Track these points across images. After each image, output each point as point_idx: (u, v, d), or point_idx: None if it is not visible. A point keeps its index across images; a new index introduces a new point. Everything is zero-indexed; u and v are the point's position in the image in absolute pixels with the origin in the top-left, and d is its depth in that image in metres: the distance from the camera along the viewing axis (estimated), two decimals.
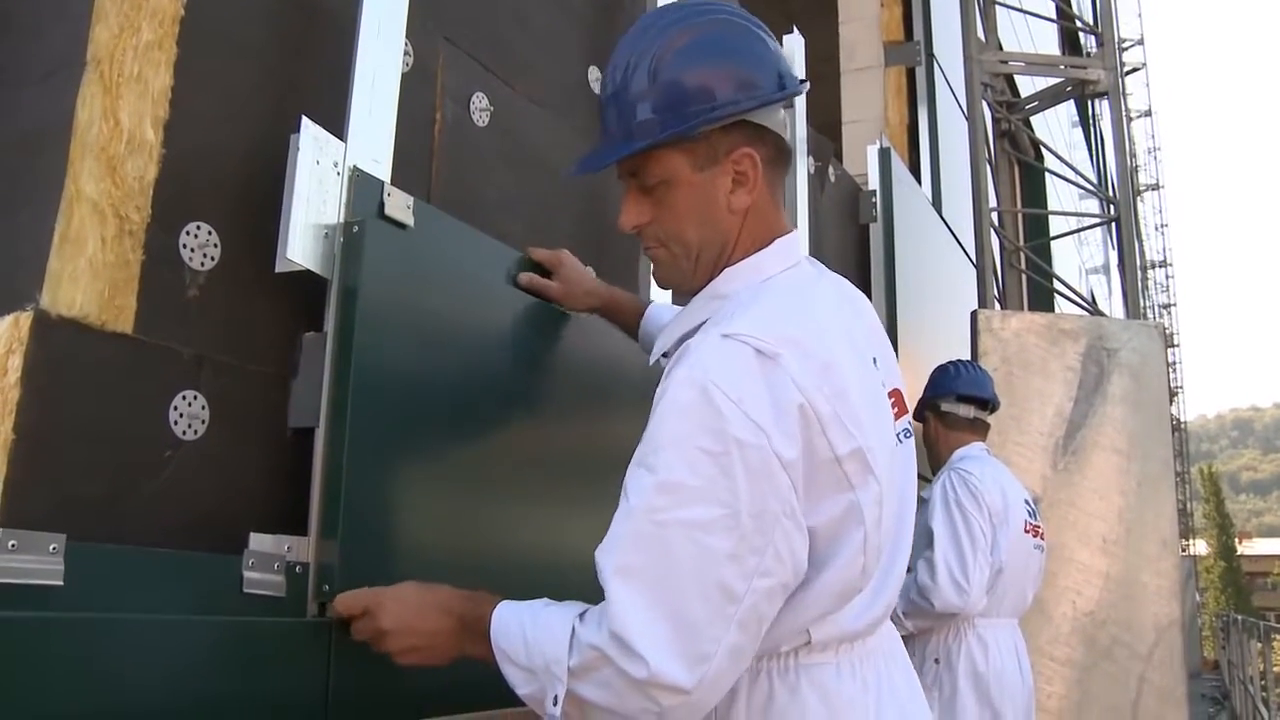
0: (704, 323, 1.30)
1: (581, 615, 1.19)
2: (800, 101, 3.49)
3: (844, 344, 1.27)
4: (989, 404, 3.36)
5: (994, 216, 7.03)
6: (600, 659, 1.13)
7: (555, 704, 1.16)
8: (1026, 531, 3.16)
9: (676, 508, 1.12)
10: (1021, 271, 8.52)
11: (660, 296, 2.34)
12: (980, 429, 3.34)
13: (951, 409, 3.32)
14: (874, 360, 1.33)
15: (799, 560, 1.16)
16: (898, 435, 1.34)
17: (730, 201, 1.31)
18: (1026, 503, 3.24)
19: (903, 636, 3.23)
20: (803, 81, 1.37)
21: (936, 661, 3.05)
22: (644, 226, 1.36)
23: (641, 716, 1.13)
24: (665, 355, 1.37)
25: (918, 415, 3.45)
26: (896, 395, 1.37)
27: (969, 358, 4.41)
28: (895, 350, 4.34)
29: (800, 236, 1.39)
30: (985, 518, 3.03)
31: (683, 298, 1.42)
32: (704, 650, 1.11)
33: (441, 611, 1.33)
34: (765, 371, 1.15)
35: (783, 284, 1.31)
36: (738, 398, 1.13)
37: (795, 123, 3.48)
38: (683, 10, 1.33)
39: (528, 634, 1.22)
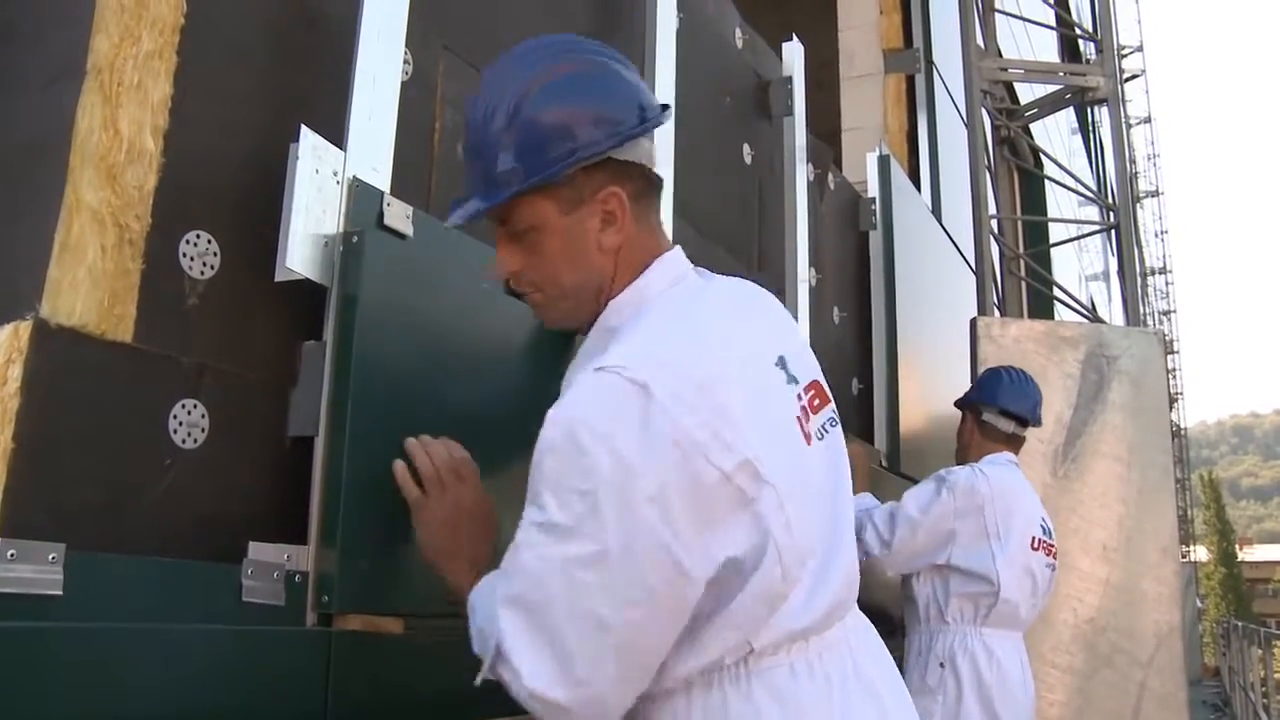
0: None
1: None
2: (799, 108, 3.50)
3: (728, 354, 1.26)
4: (1029, 422, 3.34)
5: (993, 223, 7.03)
6: (500, 660, 1.21)
7: (487, 669, 1.24)
8: (1036, 549, 3.15)
9: (553, 544, 1.16)
10: (1021, 278, 8.52)
11: None
12: (1015, 443, 3.33)
13: (992, 420, 3.30)
14: (780, 359, 1.32)
15: (676, 589, 1.17)
16: (820, 429, 1.34)
17: (600, 241, 1.31)
18: (1043, 520, 3.23)
19: (910, 638, 3.25)
20: (665, 108, 1.37)
21: (942, 665, 3.06)
22: (516, 273, 1.36)
23: (535, 715, 1.21)
24: None
25: (958, 407, 3.44)
26: (815, 387, 1.37)
27: (970, 365, 4.42)
28: (895, 357, 4.34)
29: (679, 253, 1.38)
30: (953, 516, 3.04)
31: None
32: (579, 675, 1.16)
33: (471, 538, 1.44)
34: (636, 403, 1.15)
35: (664, 305, 1.31)
36: (605, 434, 1.14)
37: (795, 130, 3.49)
38: (538, 53, 1.33)
39: (488, 597, 1.29)
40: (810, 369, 1.38)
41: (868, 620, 1.42)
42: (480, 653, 1.26)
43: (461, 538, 1.44)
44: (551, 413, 1.18)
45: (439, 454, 1.50)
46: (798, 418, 1.30)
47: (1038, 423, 3.38)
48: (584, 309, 1.36)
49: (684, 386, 1.17)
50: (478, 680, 1.24)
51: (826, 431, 1.36)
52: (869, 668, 1.33)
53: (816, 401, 1.35)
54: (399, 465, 1.48)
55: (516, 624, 1.18)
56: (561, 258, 1.32)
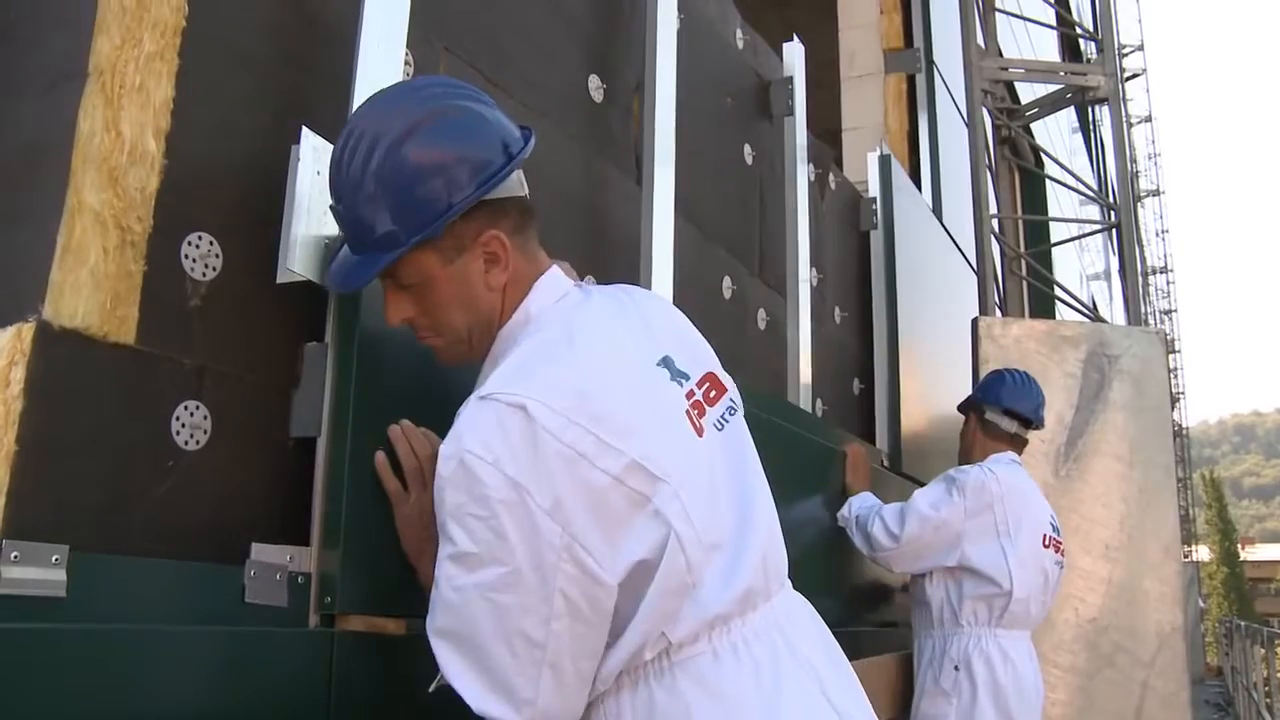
0: None
1: None
2: (800, 108, 3.50)
3: (605, 362, 1.30)
4: (1032, 422, 3.35)
5: (994, 223, 7.03)
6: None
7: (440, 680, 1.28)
8: (1047, 546, 3.16)
9: (467, 573, 1.19)
10: (1022, 278, 8.52)
11: None
12: (1019, 444, 3.34)
13: (995, 419, 3.31)
14: (664, 359, 1.35)
15: (591, 596, 1.20)
16: (718, 420, 1.36)
17: (488, 281, 1.35)
18: (1051, 517, 3.24)
19: (920, 641, 3.26)
20: (524, 129, 1.38)
21: (957, 669, 3.06)
22: (410, 320, 1.38)
23: None
24: None
25: (961, 411, 3.45)
26: (710, 379, 1.39)
27: (971, 365, 4.42)
28: (896, 357, 4.34)
29: (560, 270, 1.42)
30: (963, 516, 3.04)
31: None
32: (522, 695, 1.20)
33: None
34: (516, 425, 1.19)
35: (544, 324, 1.34)
36: (494, 459, 1.18)
37: (795, 130, 3.49)
38: (396, 104, 1.31)
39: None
40: (702, 362, 1.41)
41: (804, 600, 1.43)
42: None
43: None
44: (442, 448, 1.22)
45: (421, 446, 1.51)
46: (687, 412, 1.32)
47: (1040, 424, 3.39)
48: (480, 345, 1.39)
49: (562, 400, 1.21)
50: (431, 688, 1.29)
51: (725, 421, 1.38)
52: (804, 648, 1.34)
53: (713, 394, 1.38)
54: (380, 456, 1.50)
55: (451, 656, 1.22)
56: (452, 304, 1.35)
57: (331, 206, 1.35)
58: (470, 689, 1.21)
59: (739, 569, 1.30)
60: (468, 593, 1.19)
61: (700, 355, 1.42)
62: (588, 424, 1.21)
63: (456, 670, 1.22)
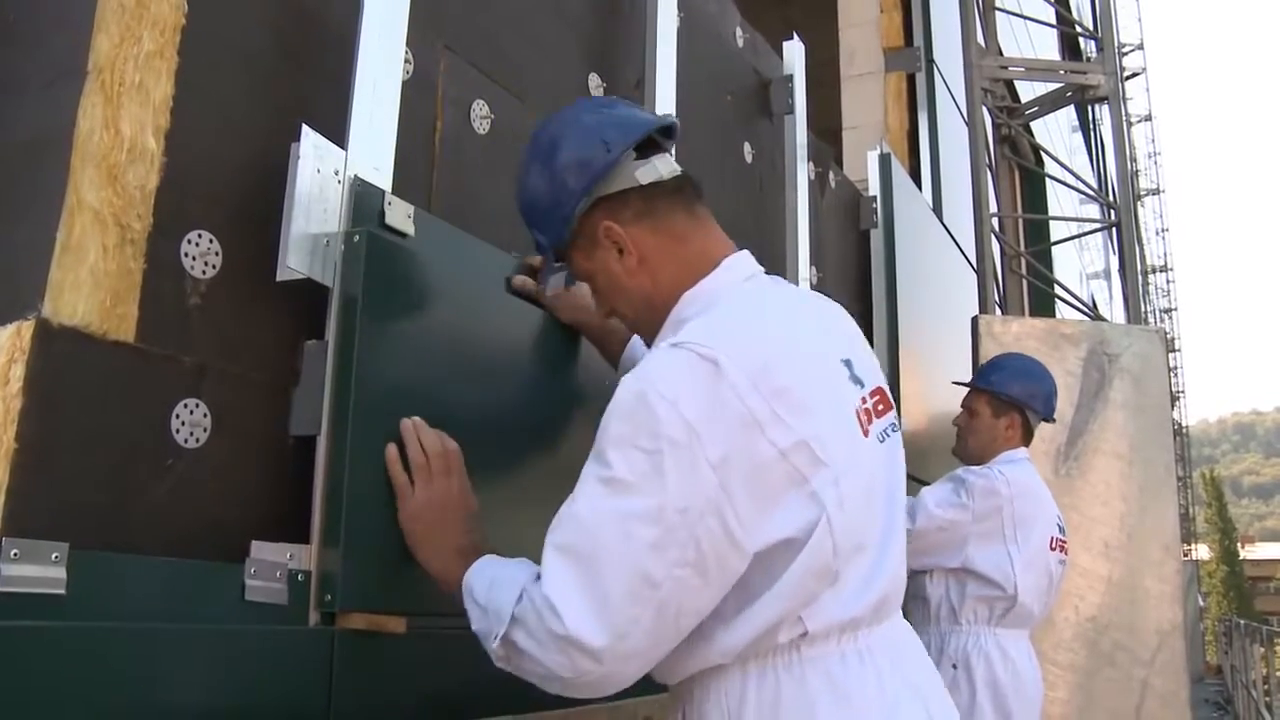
0: None
1: (537, 575, 1.29)
2: (800, 106, 3.50)
3: (792, 344, 1.35)
4: (1043, 414, 3.29)
5: (994, 222, 7.03)
6: (533, 611, 1.25)
7: (495, 640, 1.29)
8: (1053, 548, 3.13)
9: (612, 498, 1.23)
10: (1022, 276, 8.53)
11: None
12: (1029, 435, 3.28)
13: (1011, 407, 3.24)
14: (845, 361, 1.39)
15: (724, 556, 1.23)
16: (881, 432, 1.40)
17: (624, 267, 1.46)
18: (1058, 517, 3.21)
19: (919, 637, 3.24)
20: (655, 118, 1.51)
21: (955, 667, 3.04)
22: (609, 314, 1.55)
23: (558, 670, 1.24)
24: None
25: (965, 405, 3.35)
26: (880, 393, 1.43)
27: (971, 363, 4.41)
28: (896, 356, 4.32)
29: (748, 254, 1.49)
30: (970, 520, 3.01)
31: None
32: (620, 626, 1.21)
33: (453, 529, 1.50)
34: (704, 375, 1.24)
35: (734, 297, 1.41)
36: (673, 399, 1.22)
37: (795, 128, 3.49)
38: (531, 143, 1.53)
39: (493, 578, 1.35)
40: (874, 376, 1.45)
41: (911, 628, 1.47)
42: (481, 629, 1.32)
43: (441, 529, 1.50)
44: (625, 379, 1.28)
45: (431, 443, 1.54)
46: (858, 413, 1.37)
47: (1051, 417, 3.33)
48: (655, 323, 1.47)
49: (750, 366, 1.25)
50: (495, 654, 1.30)
51: (887, 436, 1.42)
52: (914, 673, 1.38)
53: (880, 407, 1.42)
54: (392, 450, 1.53)
55: (565, 570, 1.23)
56: (611, 292, 1.50)
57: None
58: (570, 605, 1.21)
59: (878, 576, 1.33)
60: (605, 516, 1.22)
61: (874, 369, 1.47)
62: (768, 394, 1.24)
63: (563, 586, 1.23)
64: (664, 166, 1.47)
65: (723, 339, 1.27)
